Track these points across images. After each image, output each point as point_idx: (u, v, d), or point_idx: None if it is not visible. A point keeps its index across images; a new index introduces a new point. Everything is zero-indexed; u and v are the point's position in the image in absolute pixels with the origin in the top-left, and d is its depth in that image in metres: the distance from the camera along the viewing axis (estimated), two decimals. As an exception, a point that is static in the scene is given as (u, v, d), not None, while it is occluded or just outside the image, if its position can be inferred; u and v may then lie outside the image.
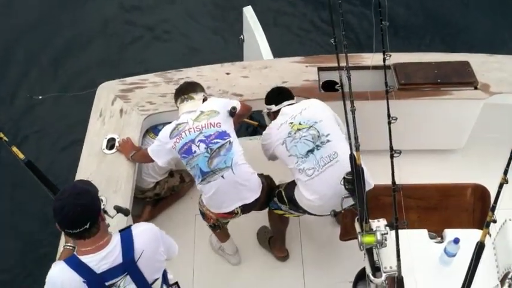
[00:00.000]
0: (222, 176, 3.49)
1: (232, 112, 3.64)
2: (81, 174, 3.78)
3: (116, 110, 4.17)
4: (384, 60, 2.64)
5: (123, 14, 6.89)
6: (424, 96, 4.24)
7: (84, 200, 2.47)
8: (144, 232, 2.66)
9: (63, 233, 2.73)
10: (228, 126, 3.61)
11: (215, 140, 3.51)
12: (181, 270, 4.11)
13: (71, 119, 5.55)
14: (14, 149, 2.86)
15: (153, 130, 4.29)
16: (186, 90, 3.74)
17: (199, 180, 3.55)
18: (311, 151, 3.50)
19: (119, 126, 4.07)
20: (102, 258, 2.52)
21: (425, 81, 4.25)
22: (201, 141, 3.51)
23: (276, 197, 3.83)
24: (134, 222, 4.10)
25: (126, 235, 2.61)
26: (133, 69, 5.41)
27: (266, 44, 4.77)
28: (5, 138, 2.86)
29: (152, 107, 4.20)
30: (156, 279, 2.74)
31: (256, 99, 4.14)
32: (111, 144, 3.96)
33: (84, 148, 3.97)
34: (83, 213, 2.44)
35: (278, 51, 4.94)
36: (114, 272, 2.55)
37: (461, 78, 4.27)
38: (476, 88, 4.26)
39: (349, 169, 3.23)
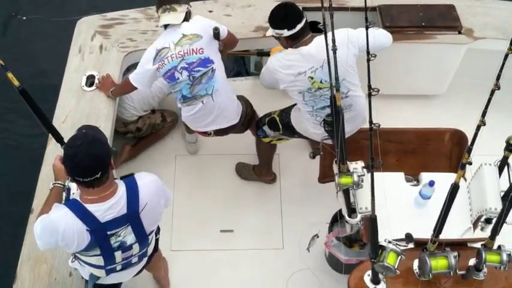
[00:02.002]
0: (202, 102, 3.63)
1: (215, 33, 3.56)
2: (60, 111, 3.74)
3: (96, 46, 4.08)
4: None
5: None
6: (408, 39, 4.20)
7: (97, 149, 2.41)
8: (148, 184, 2.64)
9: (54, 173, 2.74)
10: (212, 51, 3.56)
11: (197, 68, 3.52)
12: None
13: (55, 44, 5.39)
14: (10, 75, 2.76)
15: None
16: (169, 1, 3.57)
17: (180, 102, 3.70)
18: (328, 106, 3.43)
19: (99, 62, 4.00)
20: (108, 208, 2.50)
21: (410, 24, 4.21)
22: (183, 68, 3.52)
23: (266, 125, 3.90)
24: (114, 162, 4.14)
25: (131, 186, 2.58)
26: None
27: None
28: (1, 62, 2.72)
29: (133, 44, 4.11)
30: (152, 231, 2.78)
31: (240, 39, 4.07)
32: (90, 81, 3.89)
33: (63, 85, 3.90)
34: (95, 163, 2.39)
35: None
36: (117, 222, 2.55)
37: (446, 22, 4.24)
38: (460, 32, 4.24)
39: (361, 117, 3.46)
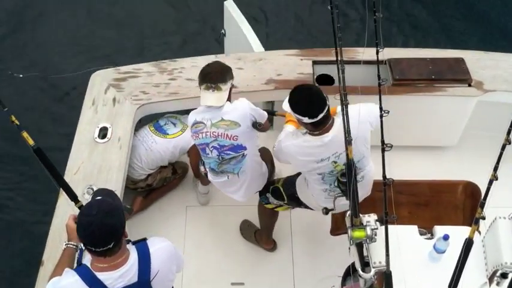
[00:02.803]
0: (228, 177, 3.68)
1: (255, 125, 3.51)
2: (72, 163, 3.77)
3: (109, 98, 4.14)
4: (377, 52, 2.62)
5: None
6: (418, 92, 4.24)
7: (113, 220, 2.37)
8: (160, 251, 2.59)
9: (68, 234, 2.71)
10: (246, 138, 3.51)
11: (228, 152, 3.54)
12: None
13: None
14: (25, 134, 2.77)
15: (154, 125, 4.31)
16: (215, 79, 3.42)
17: (208, 170, 3.76)
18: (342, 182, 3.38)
19: (112, 115, 4.05)
20: (119, 276, 2.45)
21: (420, 77, 4.25)
22: (214, 148, 3.54)
23: (269, 193, 3.81)
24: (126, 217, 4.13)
25: (143, 253, 2.54)
26: (104, 59, 5.45)
27: (255, 36, 4.72)
28: (16, 122, 2.74)
29: (145, 96, 4.17)
30: None
31: (251, 91, 4.13)
32: (103, 133, 3.94)
33: (76, 136, 3.95)
34: (109, 234, 2.35)
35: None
36: None
37: (456, 75, 4.27)
38: (470, 85, 4.27)
39: (370, 185, 3.43)
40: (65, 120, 5.28)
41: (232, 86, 3.56)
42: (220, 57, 4.43)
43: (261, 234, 4.22)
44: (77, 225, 2.41)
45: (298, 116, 3.17)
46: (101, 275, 2.43)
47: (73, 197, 2.94)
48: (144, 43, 6.43)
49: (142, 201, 4.41)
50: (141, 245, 2.57)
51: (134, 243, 2.60)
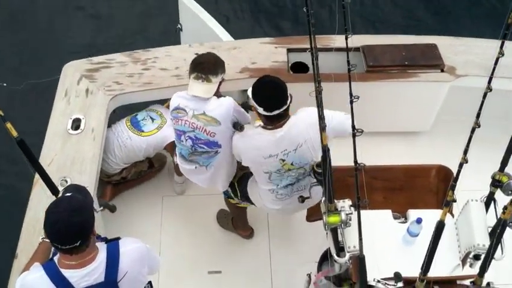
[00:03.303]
0: (195, 167, 3.66)
1: (236, 126, 3.45)
2: (45, 155, 3.73)
3: (82, 89, 4.10)
4: (346, 38, 2.63)
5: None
6: (392, 78, 4.28)
7: (80, 217, 2.32)
8: (131, 251, 2.53)
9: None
10: (224, 137, 3.46)
11: (202, 146, 3.51)
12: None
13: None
14: (9, 125, 2.72)
15: (131, 119, 4.26)
16: (206, 70, 3.38)
17: (178, 154, 3.76)
18: (291, 184, 3.44)
19: (85, 106, 4.01)
20: (85, 274, 2.41)
21: (393, 64, 4.29)
22: (190, 138, 3.51)
23: (229, 187, 3.80)
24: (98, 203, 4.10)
25: (113, 253, 2.48)
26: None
27: (219, 26, 4.70)
28: (0, 112, 2.71)
29: (119, 87, 4.14)
30: None
31: (226, 80, 4.09)
32: (76, 124, 3.90)
33: (49, 128, 3.91)
34: (76, 232, 2.30)
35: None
36: None
37: (428, 60, 4.32)
38: (442, 71, 4.31)
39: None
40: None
41: (223, 80, 3.50)
42: (194, 47, 4.42)
43: (236, 221, 4.23)
44: (44, 221, 2.35)
45: (255, 103, 3.19)
46: (66, 272, 2.40)
47: (54, 190, 2.92)
48: (119, 37, 6.32)
49: (113, 189, 4.37)
50: (112, 245, 2.53)
51: (108, 241, 2.56)
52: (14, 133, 2.73)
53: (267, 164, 3.31)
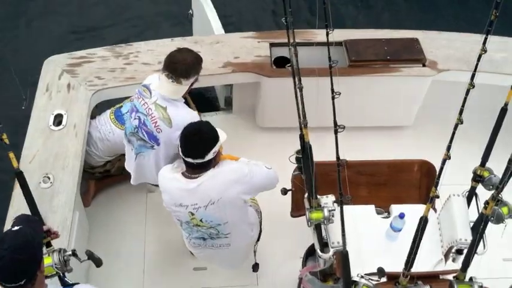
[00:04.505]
0: (131, 149, 3.63)
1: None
2: (27, 151, 3.68)
3: (63, 84, 4.05)
4: (327, 34, 2.63)
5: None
6: (374, 73, 4.29)
7: (25, 255, 2.21)
8: None
9: None
10: (166, 139, 3.38)
11: (144, 133, 3.46)
12: (134, 246, 4.11)
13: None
14: (11, 155, 2.70)
15: (115, 112, 4.18)
16: (178, 72, 3.30)
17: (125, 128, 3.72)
18: (203, 238, 3.28)
19: (66, 101, 3.96)
20: None
21: (375, 58, 4.30)
22: (139, 119, 3.47)
23: None
24: (83, 199, 4.07)
25: None
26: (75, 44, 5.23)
27: (217, 18, 4.70)
28: (6, 140, 2.66)
29: (101, 82, 4.09)
30: None
31: (208, 75, 4.10)
32: (58, 120, 3.85)
33: (31, 124, 3.85)
34: (20, 270, 2.20)
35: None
36: None
37: (410, 55, 4.34)
38: (424, 65, 4.34)
39: (238, 253, 3.41)
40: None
41: (195, 81, 3.45)
42: (176, 41, 4.39)
43: None
44: None
45: (179, 147, 2.99)
46: None
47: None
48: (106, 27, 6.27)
49: (97, 184, 4.33)
50: None
51: (65, 286, 2.49)
52: (15, 164, 2.69)
53: (177, 212, 3.14)
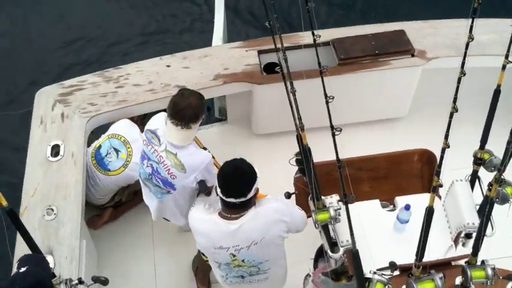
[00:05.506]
0: (150, 190, 3.55)
1: (202, 184, 3.29)
2: (28, 186, 3.67)
3: (57, 115, 4.04)
4: (314, 39, 2.64)
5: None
6: (364, 68, 4.31)
7: None
8: None
9: None
10: (182, 183, 3.30)
11: (158, 180, 3.40)
12: (144, 268, 4.10)
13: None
14: None
15: (95, 154, 4.09)
16: (187, 119, 3.16)
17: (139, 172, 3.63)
18: (242, 276, 3.16)
19: (62, 131, 3.95)
20: None
21: (364, 54, 4.32)
22: (151, 166, 3.40)
23: None
24: (94, 222, 4.12)
25: None
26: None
27: (221, 27, 4.69)
28: None
29: (94, 108, 4.09)
30: None
31: (201, 89, 4.10)
32: (55, 151, 3.85)
33: (28, 158, 3.84)
34: None
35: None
36: None
37: (398, 47, 4.36)
38: (413, 55, 4.36)
39: (275, 284, 3.32)
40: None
41: (203, 120, 3.34)
42: (165, 59, 4.40)
43: (199, 272, 4.03)
44: None
45: (217, 187, 2.86)
46: None
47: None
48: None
49: (113, 212, 4.29)
50: None
51: None
52: (4, 203, 2.62)
53: (216, 255, 3.03)
